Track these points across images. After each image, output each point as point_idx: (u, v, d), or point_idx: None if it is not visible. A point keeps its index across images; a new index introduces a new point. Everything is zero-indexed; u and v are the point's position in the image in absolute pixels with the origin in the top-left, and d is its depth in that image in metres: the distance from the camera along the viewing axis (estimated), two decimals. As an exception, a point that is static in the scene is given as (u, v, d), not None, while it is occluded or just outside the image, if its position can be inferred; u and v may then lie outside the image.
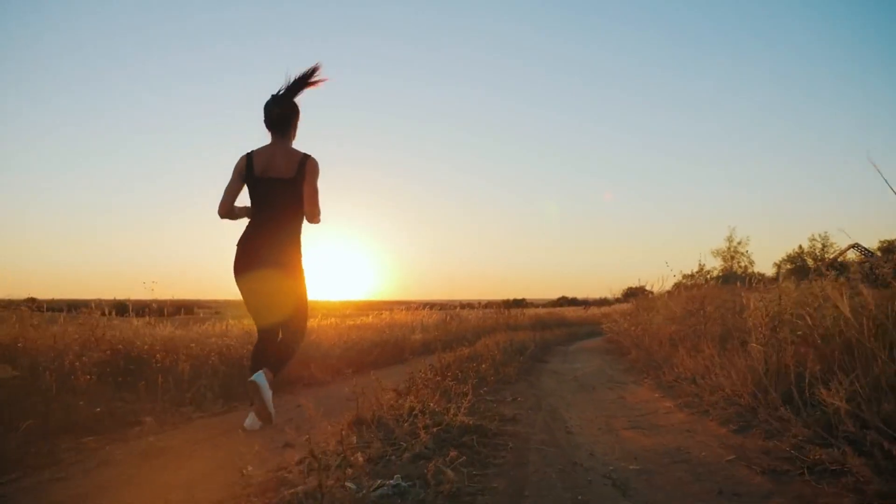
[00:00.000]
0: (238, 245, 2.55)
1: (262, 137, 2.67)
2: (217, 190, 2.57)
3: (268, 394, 2.39)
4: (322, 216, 2.58)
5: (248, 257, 2.50)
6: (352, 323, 8.24)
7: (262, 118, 2.60)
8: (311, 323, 6.12)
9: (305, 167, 2.52)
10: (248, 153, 2.55)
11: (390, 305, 11.65)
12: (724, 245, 30.68)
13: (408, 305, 11.46)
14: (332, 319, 8.00)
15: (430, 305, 11.78)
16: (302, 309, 2.67)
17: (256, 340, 2.68)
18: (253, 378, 2.38)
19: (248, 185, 2.55)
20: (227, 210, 2.54)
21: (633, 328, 6.11)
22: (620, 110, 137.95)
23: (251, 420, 2.42)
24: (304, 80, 2.58)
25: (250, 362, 2.60)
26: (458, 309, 11.88)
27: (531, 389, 3.78)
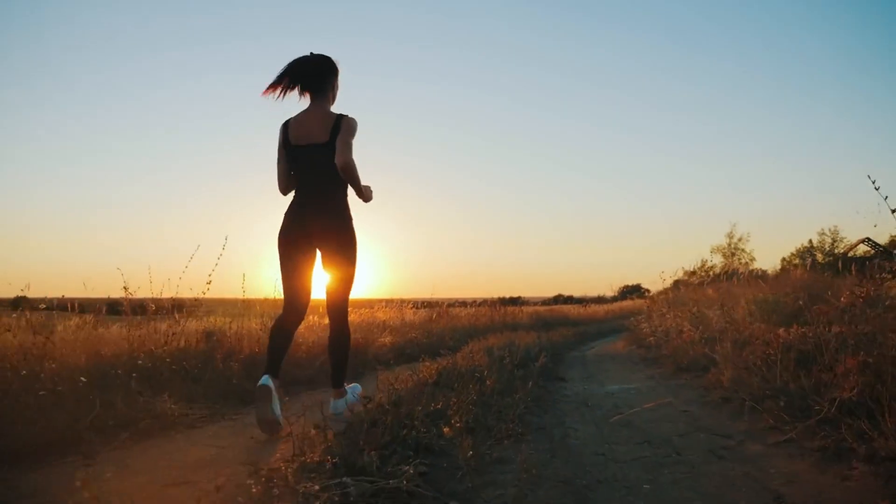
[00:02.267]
0: (286, 214, 2.39)
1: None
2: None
3: (276, 401, 2.14)
4: (356, 172, 2.31)
5: (298, 226, 2.34)
6: (312, 321, 6.36)
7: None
8: (253, 323, 4.36)
9: (340, 126, 2.29)
10: (285, 121, 2.39)
11: (379, 303, 9.98)
12: (724, 242, 29.27)
13: (395, 303, 9.68)
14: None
15: (423, 303, 10.05)
16: (345, 290, 2.41)
17: (278, 319, 2.39)
18: (262, 382, 2.14)
19: (286, 155, 2.37)
20: (285, 186, 2.42)
21: (685, 329, 4.13)
22: (616, 108, 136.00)
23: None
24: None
25: (267, 349, 2.34)
26: (447, 306, 10.06)
27: (557, 460, 1.80)
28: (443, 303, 10.62)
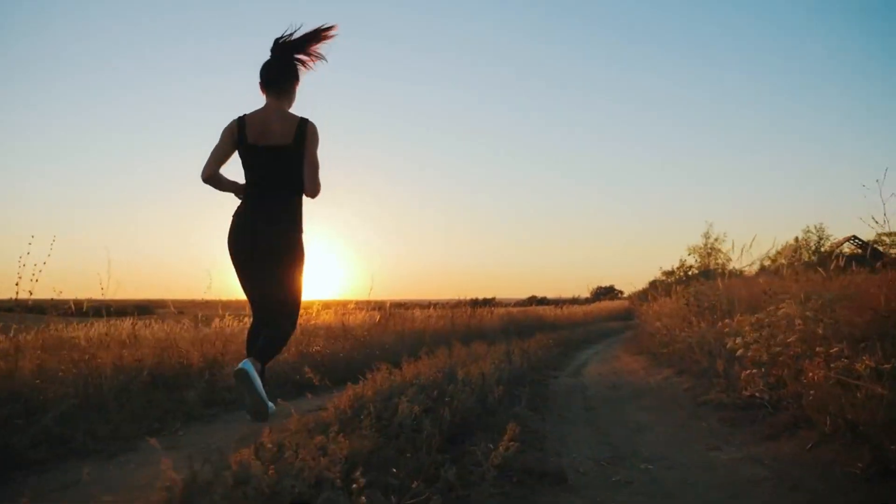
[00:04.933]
0: (234, 218, 2.26)
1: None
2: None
3: (258, 383, 2.00)
4: (322, 189, 2.30)
5: (247, 233, 2.22)
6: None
7: (259, 79, 2.31)
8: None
9: (305, 132, 2.24)
10: (240, 117, 2.25)
11: (340, 305, 8.01)
12: (700, 242, 28.19)
13: (341, 305, 7.59)
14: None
15: (380, 306, 8.12)
16: (295, 293, 2.32)
17: (251, 324, 2.37)
18: (240, 366, 1.99)
19: (241, 154, 2.25)
20: (213, 173, 2.22)
21: (829, 349, 1.77)
22: (590, 107, 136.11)
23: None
24: (311, 37, 2.28)
25: (246, 350, 2.31)
26: (390, 306, 7.85)
27: None
28: (422, 304, 9.12)
